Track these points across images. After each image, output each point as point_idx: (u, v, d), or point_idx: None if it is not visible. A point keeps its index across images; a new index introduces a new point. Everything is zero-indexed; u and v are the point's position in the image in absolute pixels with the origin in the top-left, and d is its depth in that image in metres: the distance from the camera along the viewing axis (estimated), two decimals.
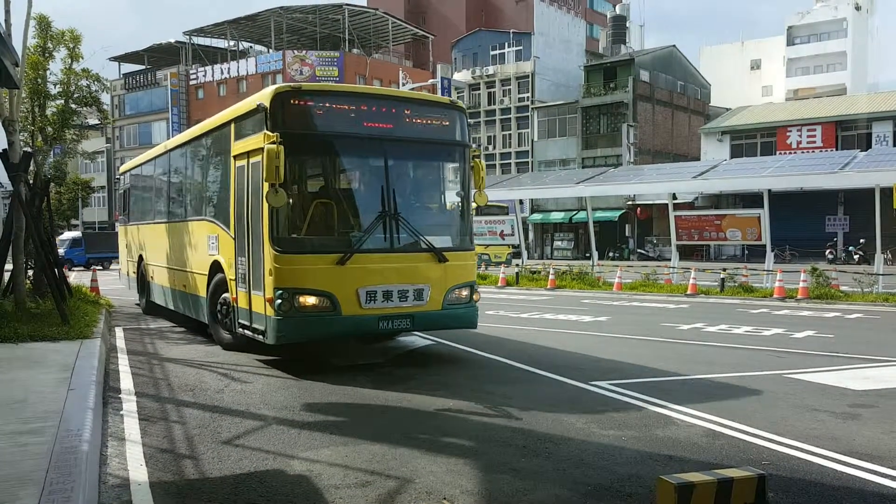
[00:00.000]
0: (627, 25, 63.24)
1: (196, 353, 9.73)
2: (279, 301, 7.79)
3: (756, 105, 52.61)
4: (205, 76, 63.41)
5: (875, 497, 4.40)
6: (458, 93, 53.69)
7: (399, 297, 8.27)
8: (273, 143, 7.61)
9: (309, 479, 4.68)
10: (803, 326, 12.62)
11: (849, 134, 41.42)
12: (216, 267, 9.72)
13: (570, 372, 8.14)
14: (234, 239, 9.01)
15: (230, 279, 9.16)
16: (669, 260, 22.97)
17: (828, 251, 35.16)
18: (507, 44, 56.54)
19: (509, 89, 55.27)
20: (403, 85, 42.76)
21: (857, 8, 64.32)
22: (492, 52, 57.12)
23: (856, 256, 31.96)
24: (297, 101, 8.19)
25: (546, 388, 7.49)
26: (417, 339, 10.65)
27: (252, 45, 66.56)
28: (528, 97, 54.35)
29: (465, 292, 8.85)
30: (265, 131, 7.91)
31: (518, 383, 7.76)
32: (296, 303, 7.85)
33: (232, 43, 64.86)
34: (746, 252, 37.19)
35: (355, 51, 60.69)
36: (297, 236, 8.23)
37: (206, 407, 6.67)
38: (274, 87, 8.24)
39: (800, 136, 42.56)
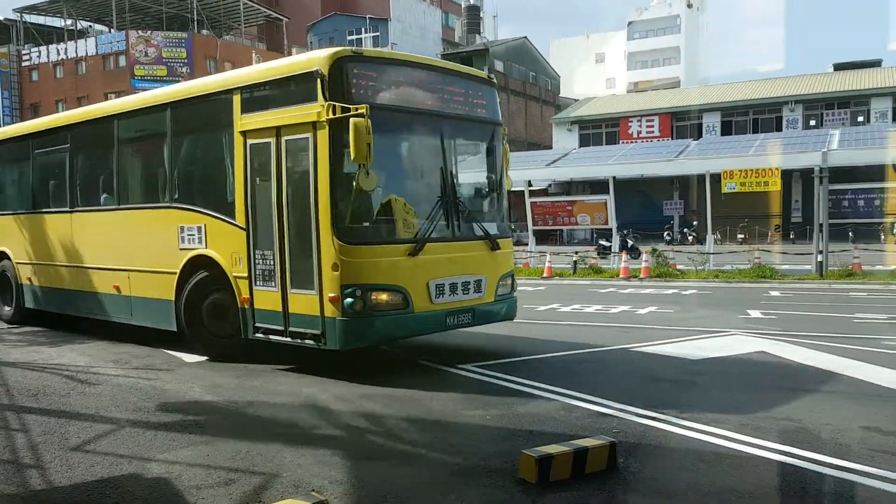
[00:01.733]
0: (481, 16, 64.61)
1: (38, 356, 9.00)
2: (350, 300, 6.84)
3: (601, 96, 55.55)
4: (39, 57, 58.20)
5: (710, 455, 4.84)
6: None
7: (462, 289, 7.66)
8: (360, 115, 6.60)
9: (168, 482, 4.49)
10: (646, 303, 13.57)
11: (682, 124, 44.67)
12: (199, 263, 8.34)
13: (435, 357, 8.30)
14: (248, 230, 7.73)
15: (236, 276, 7.87)
16: (527, 245, 23.86)
17: (665, 233, 37.84)
18: (363, 29, 56.09)
19: None
20: None
21: (689, 5, 69.35)
22: (349, 37, 56.41)
23: (690, 237, 34.60)
24: (359, 68, 7.11)
25: (413, 374, 7.59)
26: None
27: (91, 24, 61.83)
28: None
29: (509, 281, 8.40)
30: (326, 102, 6.84)
31: (384, 370, 7.81)
32: (368, 301, 6.95)
33: (69, 22, 59.92)
34: (595, 235, 39.29)
35: (205, 32, 57.93)
36: (368, 225, 7.24)
37: (51, 412, 6.20)
38: (331, 49, 7.16)
39: (640, 126, 45.39)
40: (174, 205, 8.81)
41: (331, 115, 6.82)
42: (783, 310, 12.35)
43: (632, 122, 45.72)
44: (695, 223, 34.92)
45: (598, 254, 23.07)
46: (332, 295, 6.92)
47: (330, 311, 6.96)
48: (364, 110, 6.64)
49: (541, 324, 11.14)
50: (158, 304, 8.91)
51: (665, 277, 18.35)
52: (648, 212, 40.70)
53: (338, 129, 6.82)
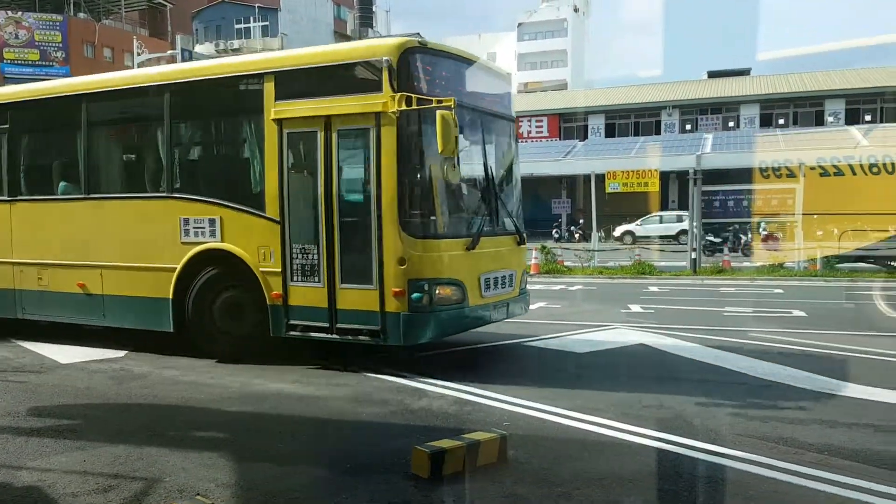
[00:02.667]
0: (374, 10, 64.26)
1: None
2: (417, 294, 6.80)
3: None
4: None
5: (594, 444, 5.06)
6: None
7: (502, 283, 7.80)
8: (447, 108, 6.58)
9: (41, 490, 4.23)
10: (536, 299, 13.89)
11: (569, 125, 46.16)
12: (207, 258, 7.87)
13: (329, 354, 8.16)
14: (282, 223, 7.41)
15: (265, 272, 7.52)
16: None
17: (554, 230, 39.01)
18: (252, 18, 54.60)
19: None
20: (138, 55, 39.34)
21: (576, 10, 71.77)
22: (237, 26, 54.83)
23: (576, 235, 35.82)
24: (424, 60, 7.05)
25: (307, 373, 7.46)
26: None
27: None
28: None
29: (526, 276, 8.66)
30: (395, 93, 6.71)
31: (276, 369, 7.64)
32: (434, 295, 6.92)
33: None
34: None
35: (82, 15, 54.54)
36: (433, 219, 7.14)
37: None
38: (397, 39, 7.02)
39: (530, 126, 46.51)
40: (175, 195, 8.15)
41: (403, 107, 6.71)
42: (661, 304, 13.03)
43: (522, 121, 46.72)
44: (581, 221, 36.17)
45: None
46: (396, 289, 6.85)
47: (393, 305, 6.88)
48: (451, 103, 6.63)
49: None
50: (148, 304, 8.22)
51: (553, 274, 18.93)
52: (538, 209, 41.74)
53: (407, 120, 6.82)
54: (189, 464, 4.67)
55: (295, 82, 7.45)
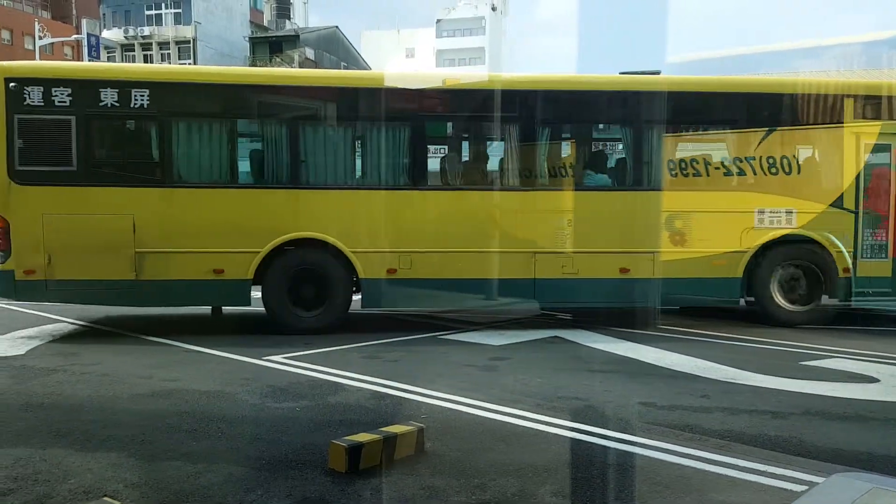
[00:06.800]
0: (292, 1, 63.21)
1: None
2: None
3: None
4: None
5: (510, 435, 5.15)
6: (108, 53, 48.60)
7: None
8: None
9: None
10: None
11: None
12: (776, 242, 9.55)
13: (239, 349, 8.02)
14: (856, 213, 9.52)
15: (837, 252, 9.50)
16: None
17: None
18: (164, 5, 52.67)
19: (168, 54, 51.69)
20: (41, 39, 37.35)
21: (494, 9, 72.61)
22: (147, 12, 52.77)
23: None
24: None
25: (217, 367, 7.30)
26: (66, 325, 9.55)
27: None
28: (190, 64, 51.44)
29: None
30: None
31: (186, 364, 7.43)
32: None
33: None
34: None
35: None
36: None
37: None
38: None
39: None
40: (753, 190, 9.67)
41: None
42: None
43: None
44: None
45: None
46: None
47: None
48: None
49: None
50: (717, 283, 9.61)
51: None
52: None
53: None
54: (96, 464, 4.50)
55: (870, 106, 9.61)
